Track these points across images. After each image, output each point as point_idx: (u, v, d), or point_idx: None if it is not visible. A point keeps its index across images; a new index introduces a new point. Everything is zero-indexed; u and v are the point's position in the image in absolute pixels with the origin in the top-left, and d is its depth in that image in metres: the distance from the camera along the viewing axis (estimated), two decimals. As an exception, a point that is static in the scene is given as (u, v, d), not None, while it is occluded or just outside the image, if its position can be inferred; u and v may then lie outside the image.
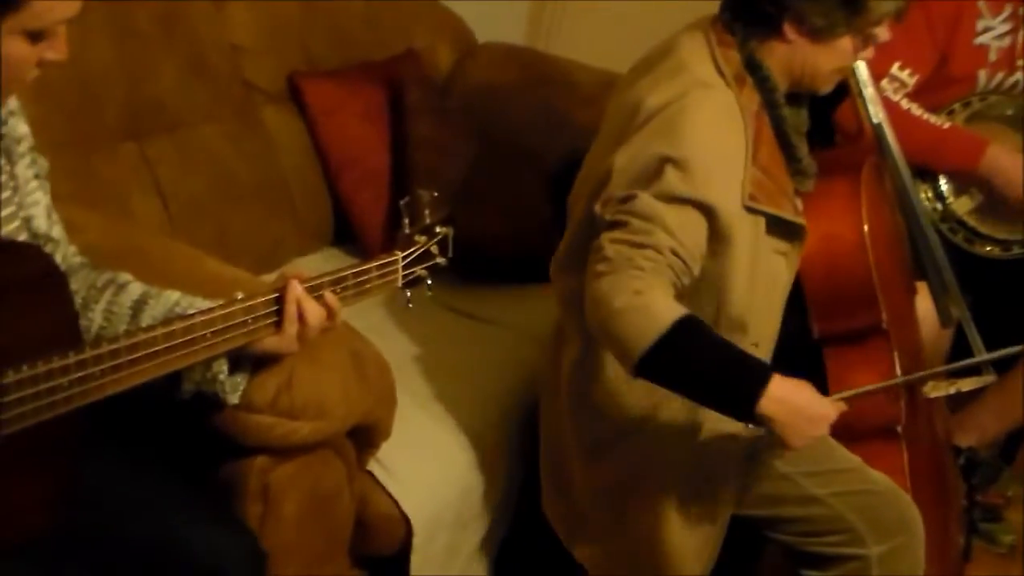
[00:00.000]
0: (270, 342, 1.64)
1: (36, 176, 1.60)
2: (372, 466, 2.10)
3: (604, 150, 1.99)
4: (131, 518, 1.57)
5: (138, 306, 1.63)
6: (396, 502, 2.11)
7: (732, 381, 1.80)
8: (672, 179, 1.83)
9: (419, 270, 1.83)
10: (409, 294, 1.85)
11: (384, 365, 1.96)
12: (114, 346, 1.41)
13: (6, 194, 1.55)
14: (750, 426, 1.90)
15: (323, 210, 2.78)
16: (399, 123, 2.82)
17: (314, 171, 2.77)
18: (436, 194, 1.85)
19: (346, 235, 2.80)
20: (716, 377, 1.80)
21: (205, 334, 1.51)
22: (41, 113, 2.11)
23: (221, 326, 1.54)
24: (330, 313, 1.67)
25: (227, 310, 1.55)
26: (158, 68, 2.46)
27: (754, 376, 1.79)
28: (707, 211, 1.85)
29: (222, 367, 1.65)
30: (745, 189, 1.87)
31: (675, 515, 2.02)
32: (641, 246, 1.81)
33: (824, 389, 2.19)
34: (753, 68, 1.94)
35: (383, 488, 2.11)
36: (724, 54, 1.94)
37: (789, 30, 1.93)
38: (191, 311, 1.58)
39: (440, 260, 1.86)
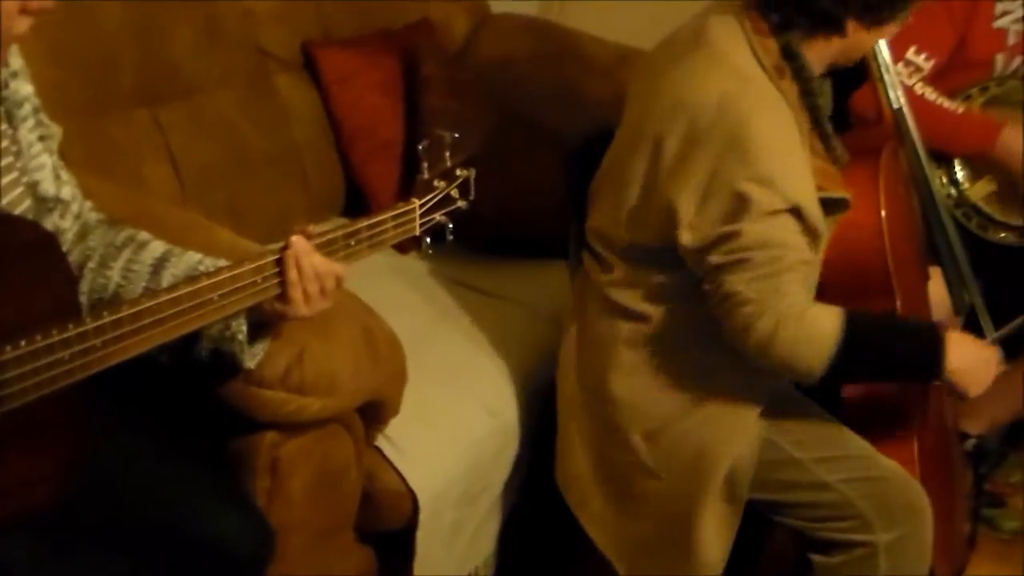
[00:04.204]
0: (278, 305, 1.57)
1: (40, 139, 1.56)
2: (380, 442, 2.09)
3: (636, 140, 1.97)
4: (138, 494, 1.56)
5: (159, 264, 1.59)
6: (403, 478, 2.11)
7: (916, 353, 1.93)
8: (762, 199, 1.82)
9: (438, 216, 1.77)
10: (428, 241, 1.78)
11: (395, 341, 1.95)
12: (117, 315, 1.37)
13: (7, 160, 1.51)
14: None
15: (335, 180, 2.77)
16: (413, 94, 2.80)
17: (327, 141, 2.76)
18: (457, 135, 1.79)
19: (357, 205, 2.78)
20: (901, 356, 1.93)
21: (212, 297, 1.46)
22: (56, 77, 2.10)
23: (229, 288, 1.48)
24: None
25: (235, 271, 1.49)
26: (172, 33, 2.44)
27: (932, 339, 1.91)
28: (796, 214, 1.85)
29: (241, 326, 1.61)
30: (813, 179, 1.88)
31: (705, 498, 2.02)
32: (776, 274, 1.84)
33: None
34: (791, 57, 1.91)
35: (390, 464, 2.10)
36: (762, 43, 1.90)
37: (852, 26, 1.91)
38: (211, 270, 1.53)
39: (461, 203, 1.80)
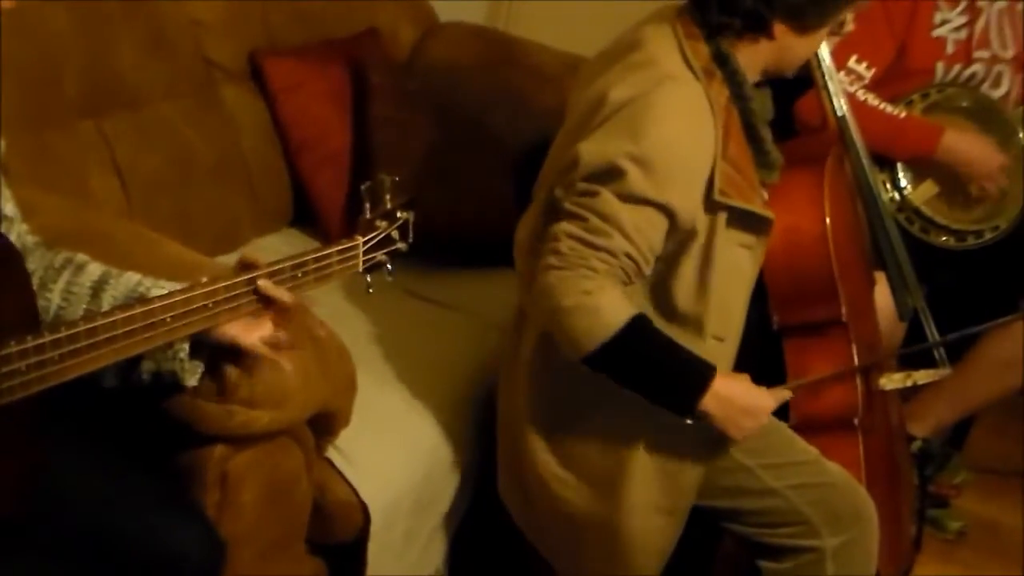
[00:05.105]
0: (231, 329, 1.62)
1: None
2: (330, 453, 2.09)
3: (569, 141, 1.97)
4: (88, 509, 1.55)
5: (98, 286, 1.61)
6: (354, 489, 2.10)
7: (675, 382, 1.90)
8: (634, 178, 1.83)
9: (379, 255, 1.82)
10: (369, 279, 1.84)
11: (345, 353, 1.95)
12: (73, 330, 1.39)
13: None
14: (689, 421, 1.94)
15: (282, 190, 2.76)
16: (360, 103, 2.79)
17: (274, 150, 2.74)
18: (398, 179, 1.84)
19: (305, 215, 2.78)
20: (660, 379, 1.90)
21: (165, 318, 1.50)
22: (-1, 89, 2.08)
23: (181, 310, 1.52)
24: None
25: (188, 295, 1.53)
26: (117, 43, 2.42)
27: (697, 377, 1.88)
28: (667, 212, 1.85)
29: (183, 345, 1.63)
30: (716, 184, 1.86)
31: (633, 505, 2.02)
32: (596, 248, 1.84)
33: (783, 379, 2.21)
34: (722, 61, 1.92)
35: (341, 475, 2.10)
36: (692, 47, 1.91)
37: (779, 29, 1.92)
38: (153, 292, 1.56)
39: (401, 245, 1.85)
